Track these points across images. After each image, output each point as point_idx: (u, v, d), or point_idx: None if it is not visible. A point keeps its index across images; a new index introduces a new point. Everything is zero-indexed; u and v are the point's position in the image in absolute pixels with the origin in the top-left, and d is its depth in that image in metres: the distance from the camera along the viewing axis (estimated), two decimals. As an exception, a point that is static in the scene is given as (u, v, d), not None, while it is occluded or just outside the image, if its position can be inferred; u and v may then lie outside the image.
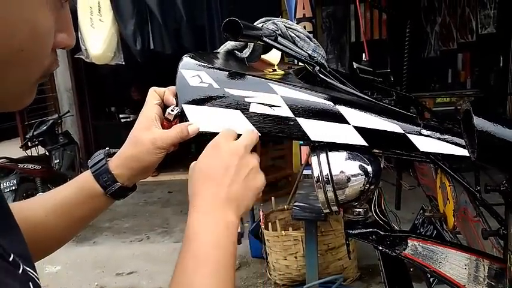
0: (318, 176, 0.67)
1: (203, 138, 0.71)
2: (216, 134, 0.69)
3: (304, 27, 3.50)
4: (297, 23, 3.54)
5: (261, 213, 3.00)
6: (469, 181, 0.82)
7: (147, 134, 0.65)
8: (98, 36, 3.41)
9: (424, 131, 0.65)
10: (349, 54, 5.50)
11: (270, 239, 2.86)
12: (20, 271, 0.38)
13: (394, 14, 4.56)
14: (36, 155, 4.78)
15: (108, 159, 0.68)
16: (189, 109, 0.69)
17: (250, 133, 0.64)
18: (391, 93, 1.63)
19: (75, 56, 3.65)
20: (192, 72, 0.71)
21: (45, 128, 4.64)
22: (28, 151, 4.77)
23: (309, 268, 2.64)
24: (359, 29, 5.11)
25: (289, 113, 0.67)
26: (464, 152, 0.60)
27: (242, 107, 0.68)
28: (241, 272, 3.21)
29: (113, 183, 0.66)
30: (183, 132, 0.66)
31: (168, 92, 0.71)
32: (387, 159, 1.18)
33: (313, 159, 0.68)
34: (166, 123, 0.68)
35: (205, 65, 0.73)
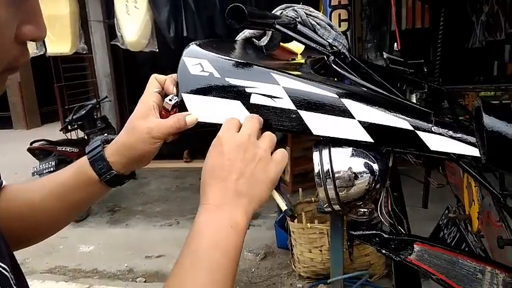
0: (319, 171, 0.63)
1: (202, 129, 0.69)
2: (215, 124, 0.67)
3: (340, 15, 3.41)
4: (332, 11, 3.45)
5: (288, 204, 2.97)
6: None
7: (143, 122, 0.64)
8: (133, 23, 3.46)
9: (436, 128, 0.60)
10: (390, 43, 5.31)
11: (296, 231, 2.84)
12: None
13: (429, 4, 4.33)
14: (75, 138, 4.95)
15: (106, 145, 0.67)
16: (188, 98, 0.67)
17: (251, 120, 0.60)
18: (422, 85, 1.54)
19: (111, 43, 3.73)
20: (194, 60, 0.69)
21: (84, 112, 4.77)
22: (68, 134, 4.95)
23: (333, 262, 2.59)
24: (400, 17, 4.92)
25: (291, 105, 0.64)
26: (477, 153, 0.55)
27: (243, 97, 0.65)
28: (266, 262, 3.21)
29: (108, 171, 0.65)
30: (180, 122, 0.64)
31: (168, 80, 0.69)
32: (416, 156, 1.11)
33: (315, 155, 0.64)
34: (164, 113, 0.67)
35: (209, 53, 0.70)
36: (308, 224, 2.75)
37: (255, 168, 0.56)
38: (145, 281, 3.17)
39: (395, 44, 1.75)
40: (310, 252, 2.80)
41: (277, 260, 3.23)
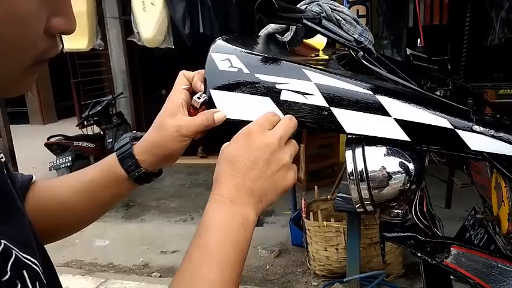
0: (352, 171, 0.61)
1: (231, 126, 0.67)
2: (244, 122, 0.66)
3: (358, 11, 3.36)
4: (350, 6, 3.40)
5: (303, 202, 2.95)
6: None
7: (172, 120, 0.63)
8: (150, 20, 3.47)
9: (477, 127, 0.57)
10: (406, 40, 5.22)
11: (311, 228, 2.81)
12: (11, 261, 0.36)
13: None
14: (91, 133, 5.00)
15: (134, 143, 0.66)
16: (217, 95, 0.66)
17: (287, 121, 0.58)
18: (447, 82, 1.50)
19: (128, 39, 3.75)
20: (223, 56, 0.67)
21: (99, 108, 4.81)
22: (84, 130, 5.00)
23: (350, 261, 2.57)
24: (417, 13, 4.83)
25: (323, 102, 0.62)
26: (522, 153, 0.53)
27: (273, 94, 0.64)
28: (280, 259, 3.19)
29: (137, 168, 0.64)
30: (209, 120, 0.63)
31: (196, 77, 0.68)
32: (439, 154, 1.08)
33: (348, 153, 0.62)
34: (192, 110, 0.66)
35: (237, 48, 0.68)
36: (324, 222, 2.72)
37: (276, 173, 0.55)
38: (160, 276, 3.19)
39: (419, 40, 1.71)
40: (326, 250, 2.78)
41: (291, 258, 3.22)
